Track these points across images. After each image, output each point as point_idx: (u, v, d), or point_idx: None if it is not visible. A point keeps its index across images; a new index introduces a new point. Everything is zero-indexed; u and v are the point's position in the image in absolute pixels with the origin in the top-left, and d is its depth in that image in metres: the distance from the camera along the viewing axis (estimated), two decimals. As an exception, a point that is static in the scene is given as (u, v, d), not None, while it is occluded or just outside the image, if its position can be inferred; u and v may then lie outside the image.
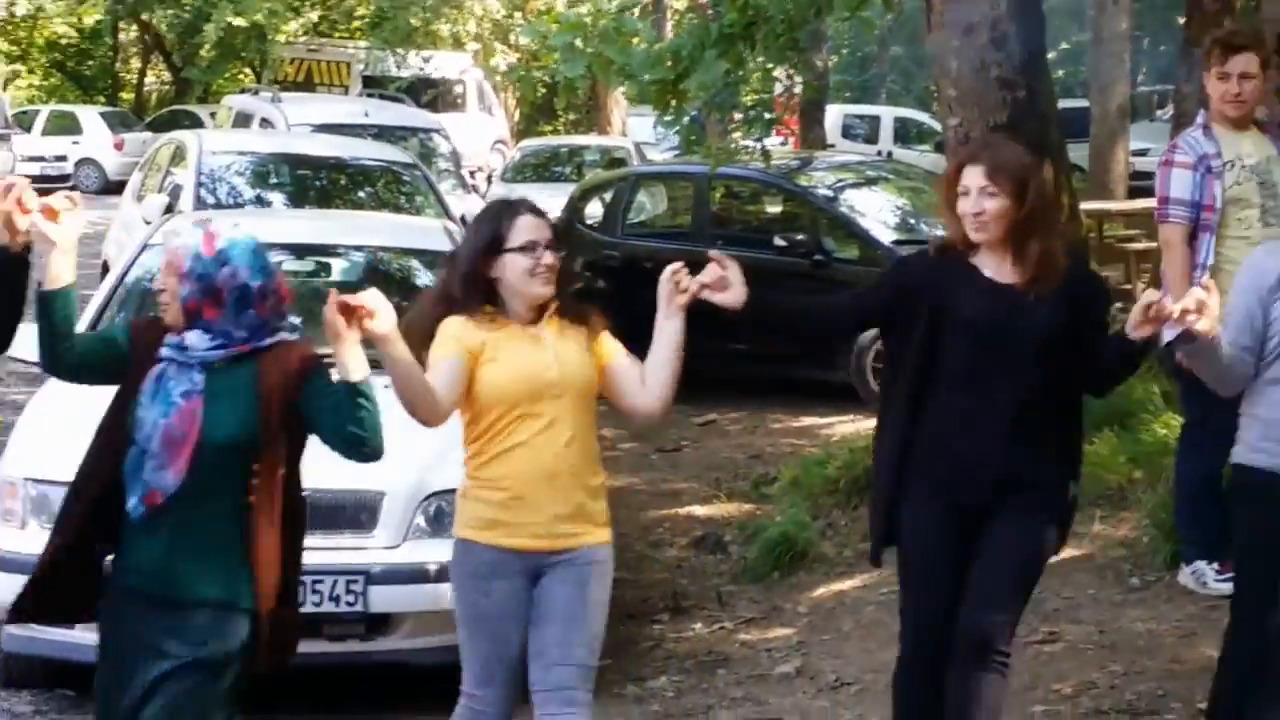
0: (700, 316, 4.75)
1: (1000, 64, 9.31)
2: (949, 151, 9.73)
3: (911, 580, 4.95)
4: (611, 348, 4.83)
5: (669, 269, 4.71)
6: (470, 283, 4.70)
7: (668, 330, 4.69)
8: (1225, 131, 6.75)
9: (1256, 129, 6.90)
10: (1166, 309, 4.54)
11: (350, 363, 4.07)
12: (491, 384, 4.61)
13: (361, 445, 4.15)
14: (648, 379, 4.75)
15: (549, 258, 4.65)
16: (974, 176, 4.75)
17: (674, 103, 6.58)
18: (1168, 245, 6.75)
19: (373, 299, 4.15)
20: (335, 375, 4.14)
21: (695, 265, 4.74)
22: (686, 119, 6.82)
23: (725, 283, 4.70)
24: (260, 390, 4.18)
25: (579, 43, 6.56)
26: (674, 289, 4.66)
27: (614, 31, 6.49)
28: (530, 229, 4.70)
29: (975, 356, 4.78)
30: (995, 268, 4.82)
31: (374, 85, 31.37)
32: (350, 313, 4.08)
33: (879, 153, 30.37)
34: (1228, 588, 6.22)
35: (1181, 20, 20.91)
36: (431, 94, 30.25)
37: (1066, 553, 7.36)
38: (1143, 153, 24.90)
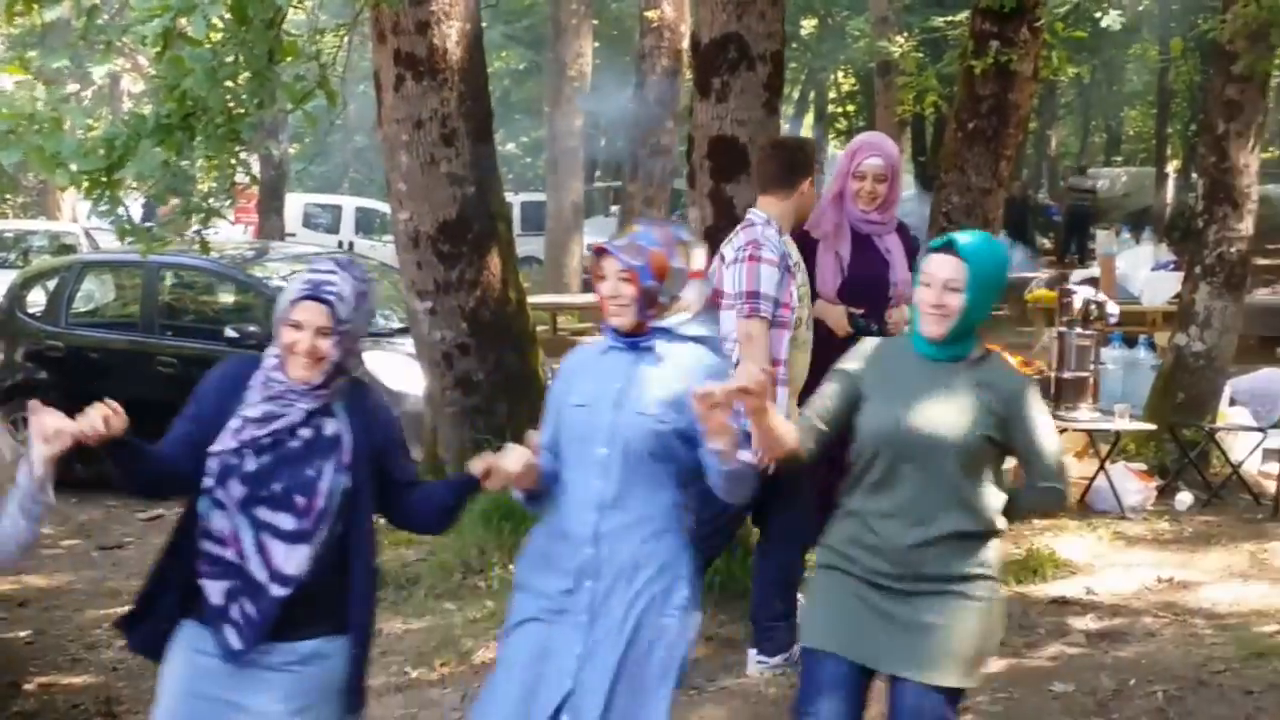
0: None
1: (450, 160, 9.46)
2: (399, 246, 9.79)
3: None
4: None
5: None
6: None
7: None
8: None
9: None
10: None
11: None
12: None
13: None
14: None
15: None
16: None
17: (109, 192, 6.33)
18: (751, 339, 6.60)
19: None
20: None
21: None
22: (122, 209, 6.56)
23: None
24: None
25: (16, 131, 6.18)
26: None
27: (52, 121, 6.19)
28: None
29: None
30: None
31: None
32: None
33: (340, 243, 30.37)
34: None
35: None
36: None
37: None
38: (598, 247, 25.77)
